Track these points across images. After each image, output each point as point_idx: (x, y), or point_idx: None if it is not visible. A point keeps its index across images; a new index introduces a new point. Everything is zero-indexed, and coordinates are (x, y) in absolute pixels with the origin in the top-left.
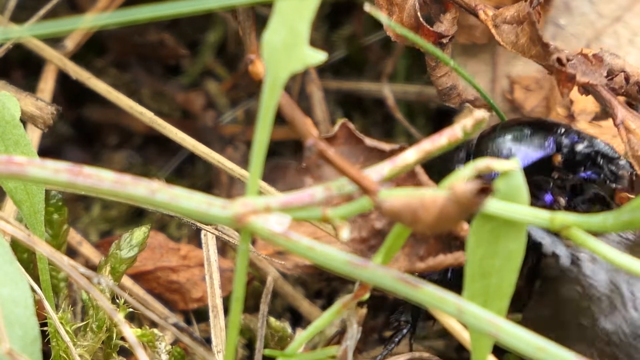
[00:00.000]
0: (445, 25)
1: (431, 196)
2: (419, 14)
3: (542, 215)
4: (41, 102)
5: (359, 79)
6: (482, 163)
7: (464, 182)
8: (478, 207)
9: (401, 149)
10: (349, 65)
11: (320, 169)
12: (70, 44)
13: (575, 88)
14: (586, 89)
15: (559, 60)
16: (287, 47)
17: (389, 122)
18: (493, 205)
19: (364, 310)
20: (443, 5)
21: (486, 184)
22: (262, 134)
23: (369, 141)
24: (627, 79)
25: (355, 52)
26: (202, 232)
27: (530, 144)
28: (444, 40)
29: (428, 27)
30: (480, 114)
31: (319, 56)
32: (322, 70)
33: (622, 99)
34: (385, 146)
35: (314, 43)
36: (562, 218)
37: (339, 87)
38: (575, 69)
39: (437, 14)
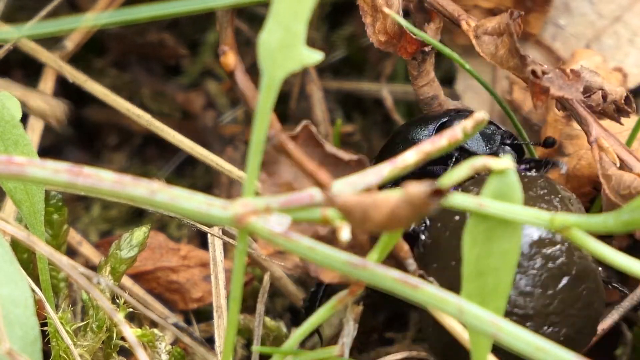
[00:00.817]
0: (429, 34)
1: (384, 195)
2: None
3: (541, 216)
4: (50, 98)
5: (359, 79)
6: (479, 161)
7: (418, 183)
8: (430, 209)
9: (359, 161)
10: (349, 65)
11: (276, 165)
12: (70, 44)
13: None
14: (562, 104)
15: (533, 72)
16: (284, 47)
17: (389, 122)
18: (489, 205)
19: (360, 308)
20: (427, 15)
21: (439, 187)
22: (259, 134)
23: (329, 147)
24: (604, 97)
25: (355, 52)
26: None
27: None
28: (427, 49)
29: (411, 34)
30: (481, 115)
31: (316, 56)
32: (322, 70)
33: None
34: (345, 155)
35: (314, 43)
36: (562, 218)
37: (339, 87)
38: (552, 82)
39: (421, 23)
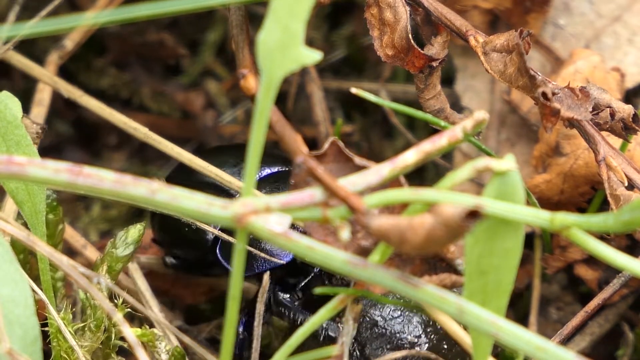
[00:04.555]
0: (436, 48)
1: (419, 218)
2: (410, 36)
3: (541, 215)
4: (26, 120)
5: (358, 79)
6: (482, 162)
7: (453, 205)
8: (466, 231)
9: None
10: (349, 65)
11: (308, 185)
12: (69, 43)
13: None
14: (571, 123)
15: (544, 94)
16: (282, 46)
17: (389, 122)
18: (490, 205)
19: (360, 307)
20: (435, 28)
21: (474, 208)
22: (258, 134)
23: (358, 160)
24: (612, 114)
25: (355, 52)
26: None
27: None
28: (434, 64)
29: (419, 49)
30: (481, 114)
31: (315, 55)
32: (322, 70)
33: (605, 134)
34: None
35: (314, 43)
36: (562, 218)
37: (339, 87)
38: (561, 102)
39: (428, 36)
